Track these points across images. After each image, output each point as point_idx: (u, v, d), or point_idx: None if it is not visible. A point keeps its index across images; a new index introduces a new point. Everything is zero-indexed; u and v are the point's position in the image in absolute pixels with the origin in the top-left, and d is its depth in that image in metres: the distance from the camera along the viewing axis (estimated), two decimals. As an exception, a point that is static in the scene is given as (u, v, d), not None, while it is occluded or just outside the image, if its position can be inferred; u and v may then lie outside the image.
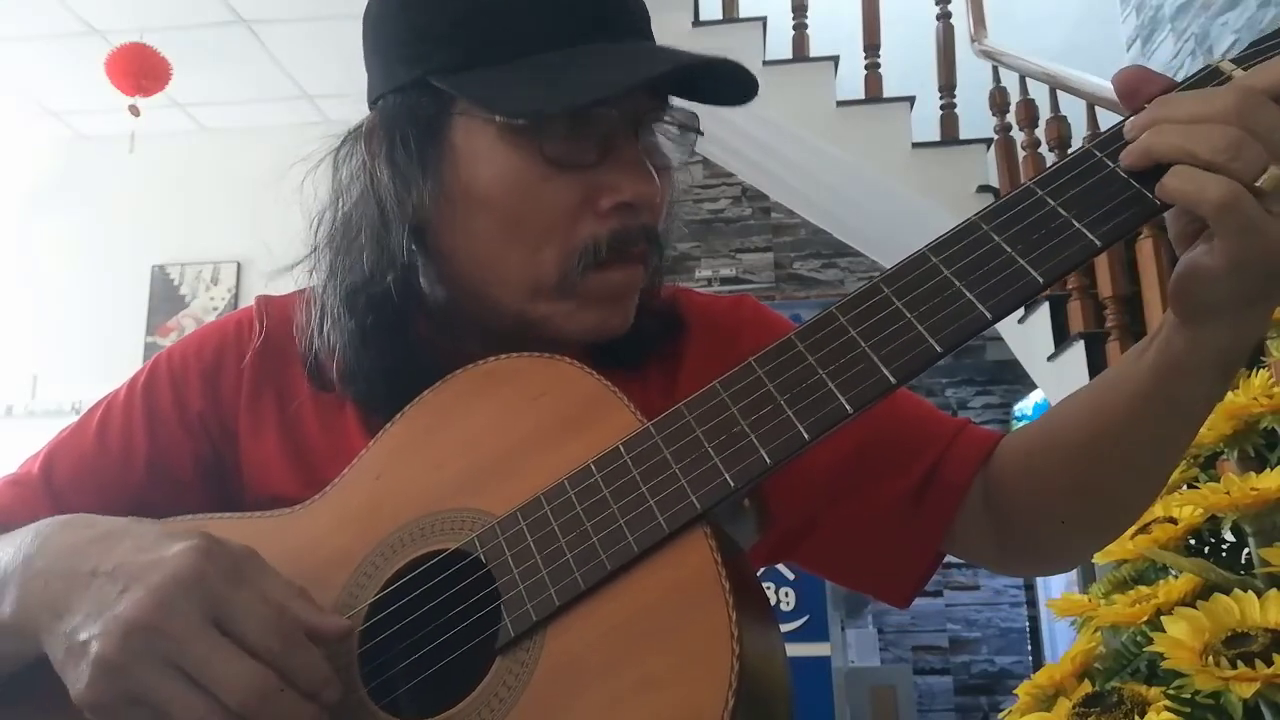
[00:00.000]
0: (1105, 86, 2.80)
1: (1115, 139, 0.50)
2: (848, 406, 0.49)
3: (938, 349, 0.49)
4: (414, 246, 0.65)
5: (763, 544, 0.69)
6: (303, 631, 0.50)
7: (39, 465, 0.70)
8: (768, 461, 0.50)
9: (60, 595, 0.50)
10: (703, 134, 0.68)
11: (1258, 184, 0.45)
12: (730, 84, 0.63)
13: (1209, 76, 0.50)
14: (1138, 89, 0.52)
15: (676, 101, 0.66)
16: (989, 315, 0.49)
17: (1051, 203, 0.50)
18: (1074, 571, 2.68)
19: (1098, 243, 0.48)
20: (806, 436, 0.49)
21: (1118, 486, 0.62)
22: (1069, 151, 0.53)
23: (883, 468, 0.68)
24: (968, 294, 0.49)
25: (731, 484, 0.50)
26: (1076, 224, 0.48)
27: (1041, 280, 0.48)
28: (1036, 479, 0.65)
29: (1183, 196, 0.46)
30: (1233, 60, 0.50)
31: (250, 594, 0.49)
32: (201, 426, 0.70)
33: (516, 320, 0.64)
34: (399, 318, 0.65)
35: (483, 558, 0.54)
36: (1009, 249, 0.49)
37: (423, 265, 0.68)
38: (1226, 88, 0.47)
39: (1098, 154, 0.50)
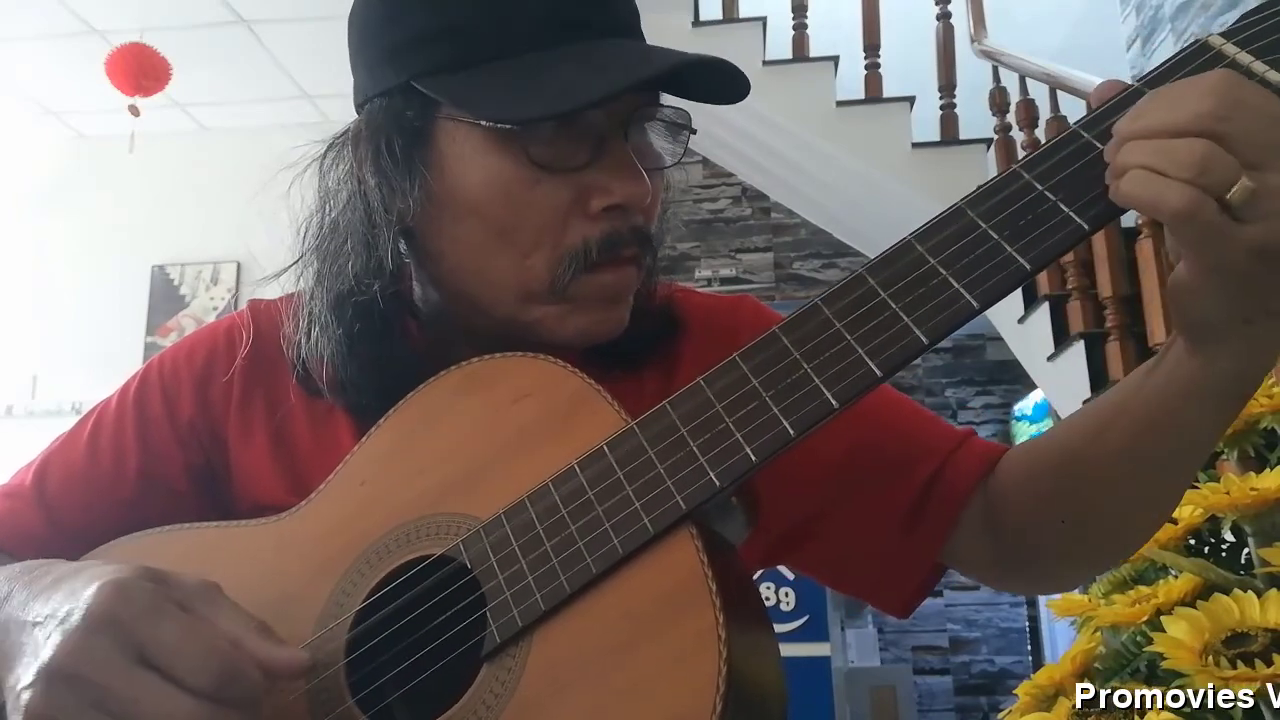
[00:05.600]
0: (1105, 86, 2.79)
1: (1102, 119, 0.49)
2: (834, 401, 0.48)
3: (924, 340, 0.48)
4: (402, 250, 0.64)
5: (760, 545, 0.68)
6: (248, 661, 0.47)
7: (31, 476, 0.70)
8: (753, 459, 0.49)
9: (9, 651, 0.49)
10: (695, 131, 0.67)
11: (1227, 198, 0.43)
12: (722, 80, 0.62)
13: (1198, 52, 0.49)
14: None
15: (669, 100, 0.65)
16: (976, 304, 0.47)
17: (1039, 187, 0.48)
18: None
19: (1086, 226, 0.47)
20: (792, 433, 0.48)
21: (1120, 512, 0.61)
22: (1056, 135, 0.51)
23: (882, 474, 0.67)
24: (954, 283, 0.48)
25: (717, 483, 0.49)
26: (1065, 208, 0.47)
27: (1029, 267, 0.47)
28: (1037, 498, 0.63)
29: (1140, 203, 0.45)
30: (1222, 34, 0.49)
31: (179, 627, 0.46)
32: (192, 434, 0.70)
33: (507, 324, 0.63)
34: (386, 325, 0.64)
35: (468, 563, 0.53)
36: (995, 235, 0.48)
37: (413, 269, 0.67)
38: (1201, 93, 0.44)
39: (1085, 135, 0.49)
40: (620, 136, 0.60)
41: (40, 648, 0.46)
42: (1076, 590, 0.79)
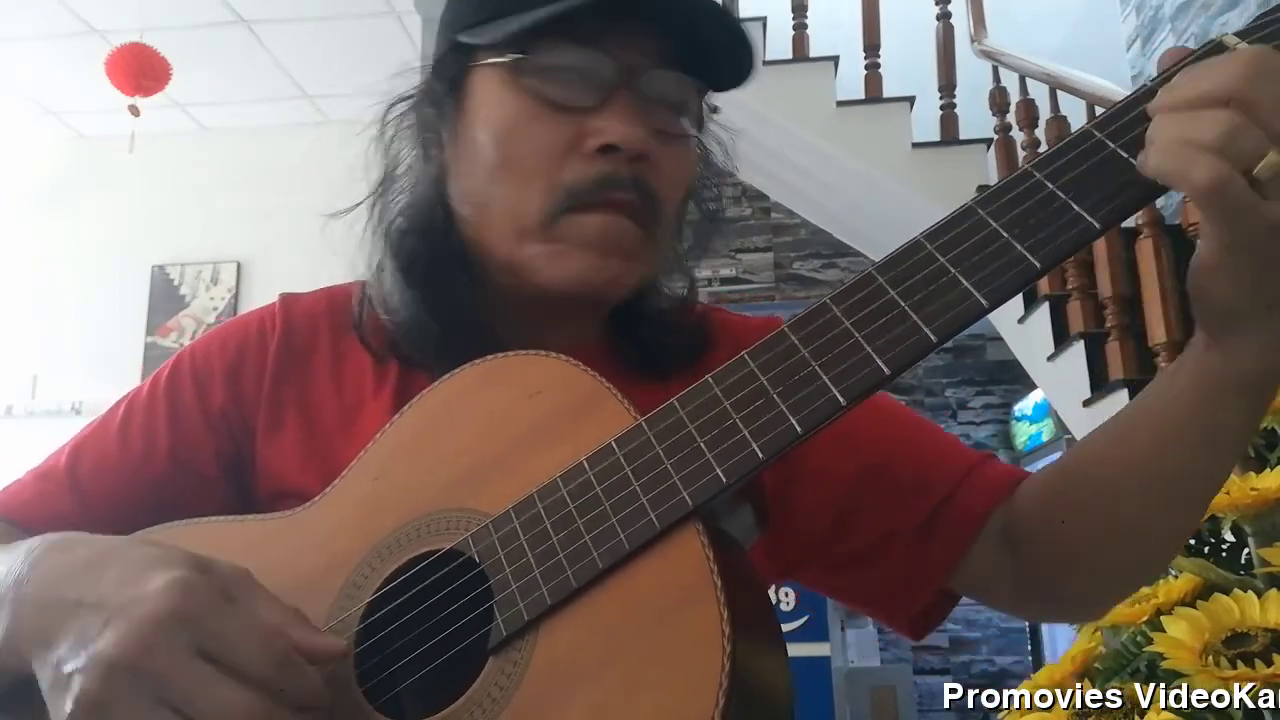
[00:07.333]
0: (1105, 86, 2.80)
1: (1114, 119, 0.49)
2: (841, 399, 0.48)
3: (933, 339, 0.48)
4: (435, 195, 0.68)
5: (775, 563, 0.69)
6: (297, 653, 0.48)
7: (65, 459, 0.70)
8: (760, 456, 0.49)
9: (47, 624, 0.49)
10: (718, 109, 0.69)
11: (1254, 172, 0.43)
12: (730, 55, 0.65)
13: (1212, 52, 0.49)
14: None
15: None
16: (985, 303, 0.47)
17: (1050, 186, 0.48)
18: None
19: (1097, 225, 0.47)
20: (799, 430, 0.48)
21: (1150, 524, 0.59)
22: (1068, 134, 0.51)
23: (894, 495, 0.67)
24: (964, 281, 0.48)
25: (724, 479, 0.49)
26: (1075, 207, 0.47)
27: (1039, 266, 0.47)
28: (1062, 521, 0.62)
29: (1167, 176, 0.44)
30: (1236, 34, 0.49)
31: (239, 621, 0.47)
32: (223, 422, 0.70)
33: (508, 269, 0.66)
34: (438, 261, 0.68)
35: (476, 557, 0.54)
36: (1005, 234, 0.48)
37: (444, 226, 0.69)
38: (1230, 61, 0.44)
39: (1097, 134, 0.49)
40: (626, 89, 0.63)
41: (96, 634, 0.47)
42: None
